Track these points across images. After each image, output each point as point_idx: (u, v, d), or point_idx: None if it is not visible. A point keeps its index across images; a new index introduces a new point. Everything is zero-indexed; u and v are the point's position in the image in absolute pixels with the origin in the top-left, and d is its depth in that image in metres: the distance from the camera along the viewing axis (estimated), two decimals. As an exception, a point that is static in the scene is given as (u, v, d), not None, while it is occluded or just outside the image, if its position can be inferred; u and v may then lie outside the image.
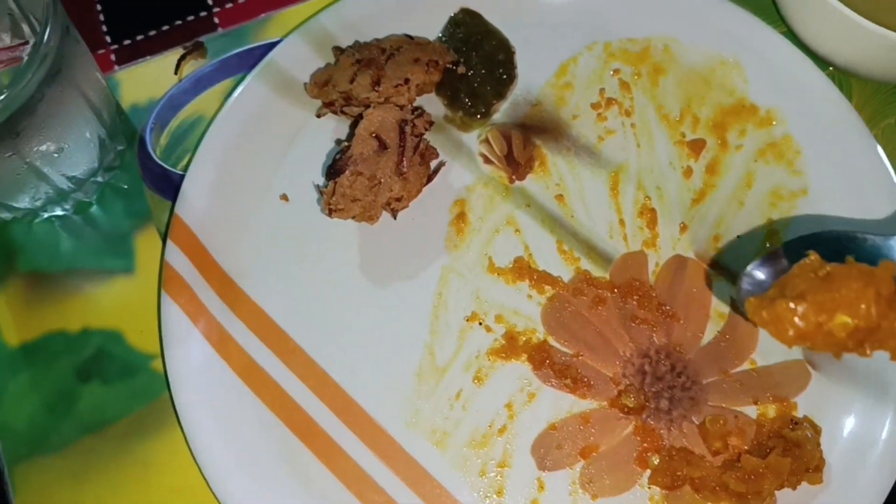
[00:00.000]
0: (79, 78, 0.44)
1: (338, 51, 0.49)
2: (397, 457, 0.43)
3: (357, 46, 0.49)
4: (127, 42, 0.53)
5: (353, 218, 0.46)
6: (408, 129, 0.45)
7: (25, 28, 0.46)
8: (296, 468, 0.43)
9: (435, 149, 0.47)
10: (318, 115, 0.49)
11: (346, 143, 0.45)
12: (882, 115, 0.51)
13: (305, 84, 0.49)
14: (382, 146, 0.45)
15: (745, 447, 0.43)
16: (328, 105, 0.48)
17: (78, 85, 0.44)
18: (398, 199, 0.46)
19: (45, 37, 0.40)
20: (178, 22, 0.54)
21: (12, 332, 0.47)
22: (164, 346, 0.44)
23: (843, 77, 0.51)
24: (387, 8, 0.51)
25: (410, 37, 0.50)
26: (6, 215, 0.49)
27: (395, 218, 0.47)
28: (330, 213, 0.45)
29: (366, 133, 0.45)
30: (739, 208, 0.48)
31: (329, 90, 0.47)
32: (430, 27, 0.51)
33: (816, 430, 0.43)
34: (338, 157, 0.45)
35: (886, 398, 0.43)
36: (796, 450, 0.41)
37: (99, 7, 0.54)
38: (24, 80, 0.40)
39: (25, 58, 0.47)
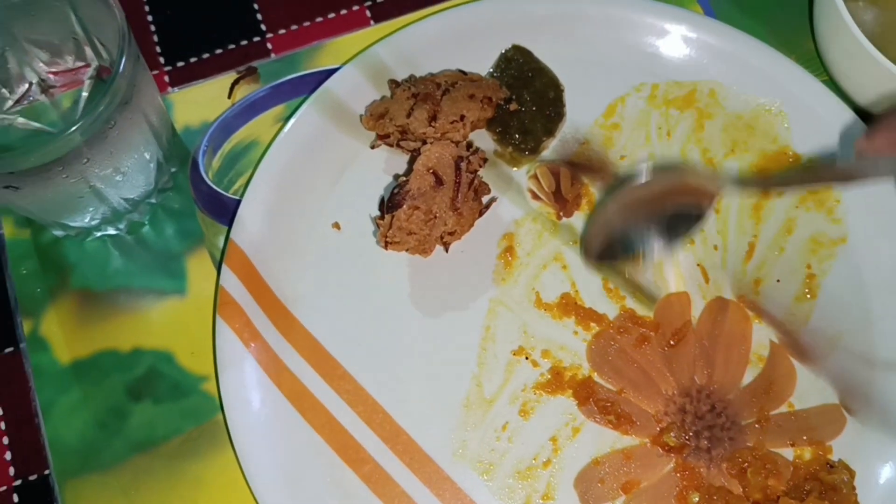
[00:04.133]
0: (145, 104, 0.44)
1: (393, 84, 0.50)
2: (444, 485, 0.44)
3: (413, 80, 0.50)
4: (181, 64, 0.54)
5: (408, 250, 0.47)
6: (463, 165, 0.46)
7: (88, 51, 0.47)
8: (344, 493, 0.44)
9: (487, 184, 0.48)
10: (373, 147, 0.50)
11: (403, 178, 0.46)
12: (919, 166, 0.52)
13: (360, 115, 0.50)
14: (439, 182, 0.46)
15: (783, 488, 0.44)
16: (383, 138, 0.49)
17: (144, 111, 0.44)
18: (451, 233, 0.47)
19: (121, 67, 0.41)
20: (232, 46, 0.54)
21: (64, 349, 0.47)
22: (217, 368, 0.45)
23: (881, 127, 0.53)
24: (442, 41, 0.52)
25: (464, 72, 0.51)
26: (59, 233, 0.49)
27: (446, 251, 0.48)
28: (386, 245, 0.46)
29: (423, 168, 0.46)
30: (780, 254, 0.49)
31: (385, 123, 0.48)
32: (482, 63, 0.52)
33: (851, 474, 0.44)
34: (395, 191, 0.46)
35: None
36: (832, 493, 0.43)
37: (153, 28, 0.55)
38: (98, 109, 0.40)
39: (86, 81, 0.48)
